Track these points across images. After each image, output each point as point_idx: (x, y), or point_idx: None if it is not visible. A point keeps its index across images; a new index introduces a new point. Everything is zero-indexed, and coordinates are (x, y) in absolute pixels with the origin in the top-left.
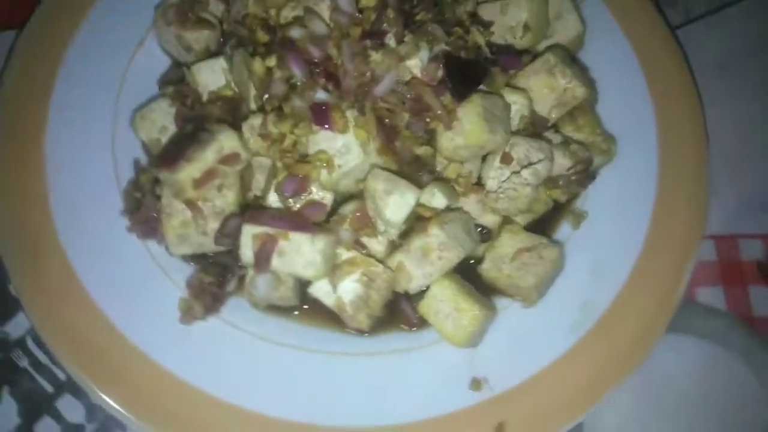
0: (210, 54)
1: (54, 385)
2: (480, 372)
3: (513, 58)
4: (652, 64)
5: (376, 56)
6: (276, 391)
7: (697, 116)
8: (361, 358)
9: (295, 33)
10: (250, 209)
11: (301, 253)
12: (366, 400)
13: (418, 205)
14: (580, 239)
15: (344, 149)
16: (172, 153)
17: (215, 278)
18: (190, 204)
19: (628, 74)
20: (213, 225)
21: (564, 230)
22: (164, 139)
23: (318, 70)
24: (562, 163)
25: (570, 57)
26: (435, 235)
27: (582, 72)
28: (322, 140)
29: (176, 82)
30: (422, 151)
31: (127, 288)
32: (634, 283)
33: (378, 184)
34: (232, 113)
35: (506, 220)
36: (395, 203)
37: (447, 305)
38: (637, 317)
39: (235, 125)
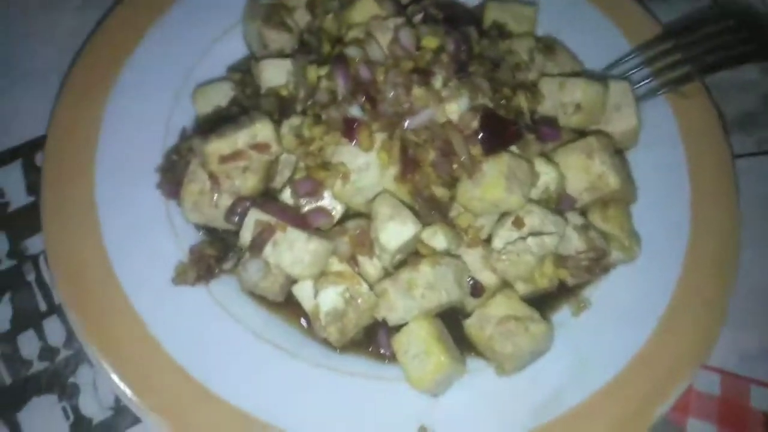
0: (282, 55)
1: (48, 305)
2: (430, 422)
3: (553, 130)
4: (701, 181)
5: (417, 91)
6: (231, 373)
7: (733, 248)
8: (320, 369)
9: (352, 52)
10: (264, 198)
11: (292, 249)
12: (309, 409)
13: (419, 241)
14: (576, 326)
15: (363, 166)
16: (210, 127)
17: (216, 252)
18: (212, 176)
19: (675, 185)
20: (226, 201)
21: (564, 314)
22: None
23: (360, 89)
24: (576, 245)
25: (614, 148)
26: (424, 272)
27: (622, 165)
28: (346, 153)
29: (244, 71)
30: (440, 192)
31: (135, 237)
32: (614, 388)
33: (383, 207)
34: (280, 110)
35: (506, 284)
36: (393, 230)
37: (418, 345)
38: (604, 424)
39: (279, 121)
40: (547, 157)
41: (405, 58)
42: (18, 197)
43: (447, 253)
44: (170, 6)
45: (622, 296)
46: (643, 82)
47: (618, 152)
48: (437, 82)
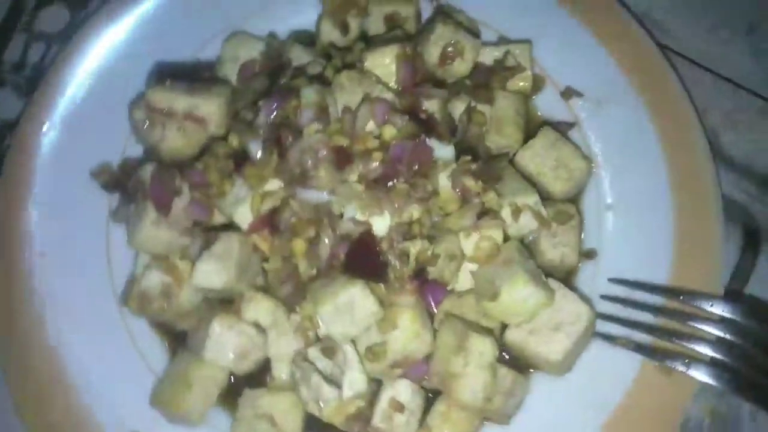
0: (329, 51)
1: None
2: None
3: (436, 295)
4: None
5: (323, 171)
6: None
7: None
8: None
9: (307, 93)
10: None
11: (139, 221)
12: None
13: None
14: None
15: (241, 197)
16: (178, 75)
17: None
18: (149, 116)
19: None
20: (156, 137)
21: None
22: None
23: (278, 132)
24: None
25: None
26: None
27: (499, 388)
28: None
29: (284, 41)
30: (303, 268)
31: None
32: None
33: (220, 244)
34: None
35: None
36: (206, 270)
37: None
38: None
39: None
40: (426, 319)
41: (345, 132)
42: None
43: (254, 324)
44: None
45: None
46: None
47: (518, 368)
48: (351, 174)
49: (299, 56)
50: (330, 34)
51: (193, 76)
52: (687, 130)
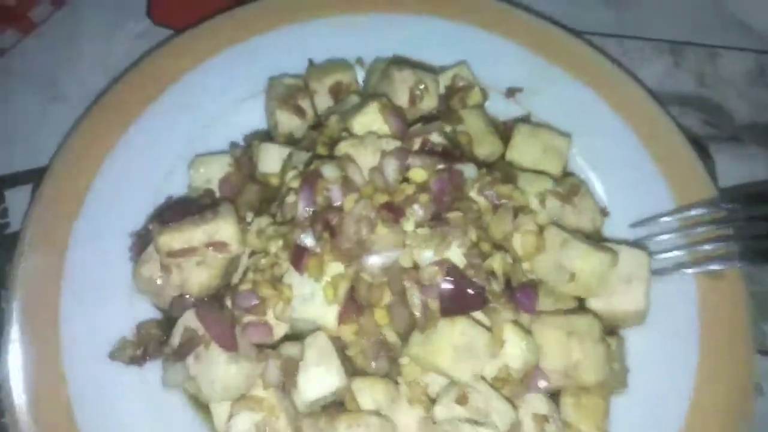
0: (290, 140)
1: None
2: None
3: (530, 300)
4: (710, 383)
5: (382, 230)
6: None
7: None
8: None
9: (328, 171)
10: (209, 299)
11: (210, 369)
12: None
13: (347, 391)
14: None
15: (308, 296)
16: (174, 213)
17: (162, 333)
18: (163, 266)
19: (678, 379)
20: (172, 293)
21: None
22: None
23: (321, 217)
24: None
25: (605, 330)
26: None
27: (609, 354)
28: (296, 276)
29: (246, 147)
30: (392, 338)
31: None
32: None
33: (312, 349)
34: (262, 201)
35: None
36: (315, 377)
37: None
38: None
39: (258, 212)
40: (522, 326)
41: (382, 189)
42: (18, 221)
43: (375, 413)
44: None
45: None
46: (673, 253)
47: (611, 333)
48: (408, 224)
49: (270, 152)
50: (288, 123)
51: (177, 210)
52: (624, 84)
